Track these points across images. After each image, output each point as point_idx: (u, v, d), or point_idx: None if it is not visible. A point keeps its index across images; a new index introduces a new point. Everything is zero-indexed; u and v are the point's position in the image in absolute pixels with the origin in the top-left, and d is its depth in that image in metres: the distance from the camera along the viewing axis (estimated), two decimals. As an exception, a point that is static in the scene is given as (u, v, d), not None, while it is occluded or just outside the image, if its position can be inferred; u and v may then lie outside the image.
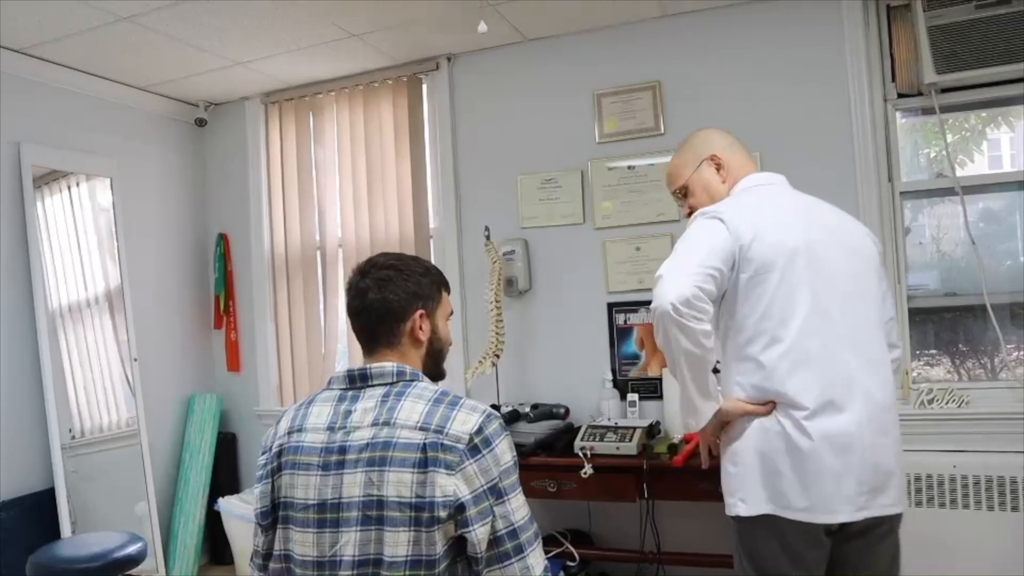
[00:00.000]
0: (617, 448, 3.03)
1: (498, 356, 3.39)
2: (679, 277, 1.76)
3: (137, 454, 3.77)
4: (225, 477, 4.13)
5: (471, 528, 1.25)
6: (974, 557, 2.79)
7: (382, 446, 1.28)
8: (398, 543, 1.24)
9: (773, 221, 1.87)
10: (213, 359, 4.37)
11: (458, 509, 1.25)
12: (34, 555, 2.80)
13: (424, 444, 1.26)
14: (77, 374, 3.62)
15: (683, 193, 2.12)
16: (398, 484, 1.25)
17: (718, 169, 2.06)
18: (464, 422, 1.30)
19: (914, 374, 3.14)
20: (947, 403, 3.01)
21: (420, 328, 1.45)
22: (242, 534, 3.80)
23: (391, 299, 1.43)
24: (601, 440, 3.07)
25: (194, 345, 4.28)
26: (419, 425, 1.29)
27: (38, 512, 3.29)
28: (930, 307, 3.28)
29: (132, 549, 2.86)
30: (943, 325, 3.35)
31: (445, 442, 1.27)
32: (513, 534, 1.28)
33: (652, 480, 2.85)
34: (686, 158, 2.11)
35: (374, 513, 1.25)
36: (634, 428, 3.09)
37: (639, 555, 3.16)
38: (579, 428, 3.21)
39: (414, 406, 1.32)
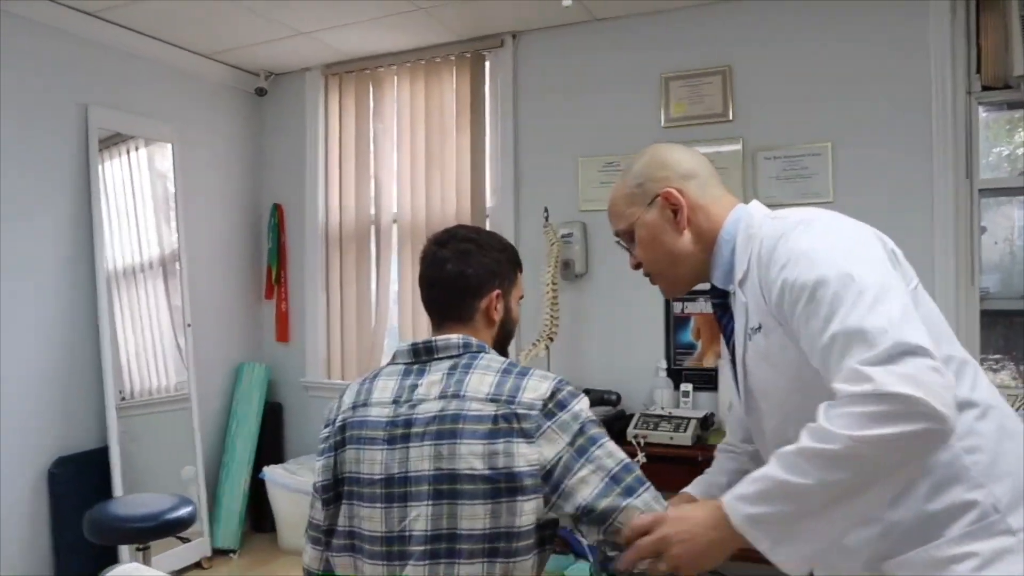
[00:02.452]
0: (671, 438, 2.98)
1: (551, 339, 3.36)
2: (936, 364, 0.99)
3: (186, 419, 3.81)
4: (270, 446, 4.16)
5: (565, 483, 1.19)
6: None
7: (451, 419, 1.24)
8: (475, 516, 1.20)
9: None
10: (262, 329, 4.39)
11: (546, 476, 1.20)
12: (90, 511, 2.84)
13: (496, 416, 1.23)
14: (129, 337, 3.67)
15: (628, 240, 1.43)
16: (470, 457, 1.21)
17: (675, 213, 1.36)
18: (535, 389, 1.25)
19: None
20: (1016, 408, 2.90)
21: (495, 308, 1.42)
22: (285, 503, 3.83)
23: (469, 274, 1.39)
24: (655, 429, 3.03)
25: (244, 314, 4.31)
26: (490, 396, 1.25)
27: (91, 470, 3.34)
28: (1000, 309, 3.17)
29: (183, 512, 2.89)
30: (1012, 328, 3.24)
31: (519, 411, 1.23)
32: (615, 479, 1.20)
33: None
34: (630, 189, 1.39)
35: (446, 487, 1.22)
36: (688, 419, 3.04)
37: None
38: (631, 416, 3.16)
39: (483, 377, 1.28)
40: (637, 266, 1.44)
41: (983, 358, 3.12)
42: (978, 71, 2.97)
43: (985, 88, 2.97)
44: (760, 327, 1.25)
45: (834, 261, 1.11)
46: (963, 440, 1.12)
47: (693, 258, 1.37)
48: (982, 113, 3.07)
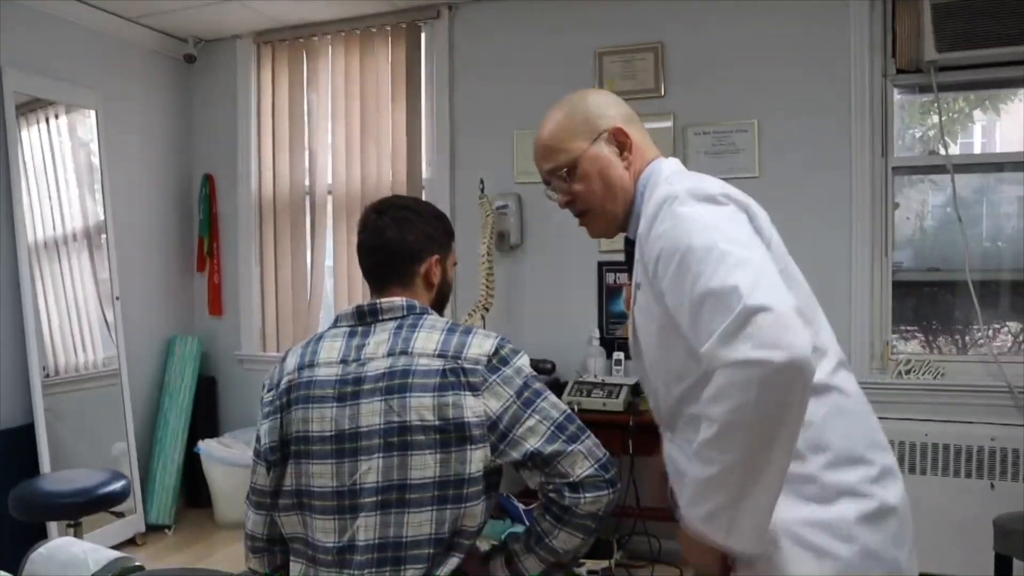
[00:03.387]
0: (604, 404, 3.09)
1: (487, 309, 3.41)
2: (792, 311, 1.05)
3: (115, 394, 3.73)
4: (204, 421, 4.11)
5: (513, 433, 1.27)
6: (943, 521, 2.91)
7: (400, 374, 1.29)
8: (425, 465, 1.26)
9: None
10: (194, 302, 4.31)
11: (492, 426, 1.27)
12: (16, 488, 2.76)
13: (444, 370, 1.29)
14: (52, 312, 3.55)
15: (567, 175, 1.38)
16: (420, 408, 1.26)
17: (621, 151, 1.39)
18: (480, 346, 1.32)
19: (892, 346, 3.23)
20: (923, 374, 3.11)
21: (433, 272, 1.47)
22: (221, 477, 3.80)
23: (410, 240, 1.44)
24: (588, 396, 3.13)
25: (175, 287, 4.22)
26: (437, 352, 1.31)
27: (16, 448, 3.25)
28: (911, 281, 3.36)
29: (116, 486, 2.83)
30: (922, 300, 3.45)
31: (466, 366, 1.29)
32: (560, 428, 1.29)
33: (636, 436, 2.91)
34: (575, 124, 1.38)
35: (396, 439, 1.26)
36: (621, 385, 3.15)
37: (619, 509, 3.23)
38: (566, 383, 3.25)
39: (429, 335, 1.34)
40: (568, 203, 1.42)
41: (895, 328, 3.31)
42: (893, 55, 3.12)
43: (900, 71, 3.13)
44: (640, 284, 1.33)
45: (704, 230, 1.16)
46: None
47: (628, 196, 1.39)
48: (896, 95, 3.23)
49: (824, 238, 3.19)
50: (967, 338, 3.33)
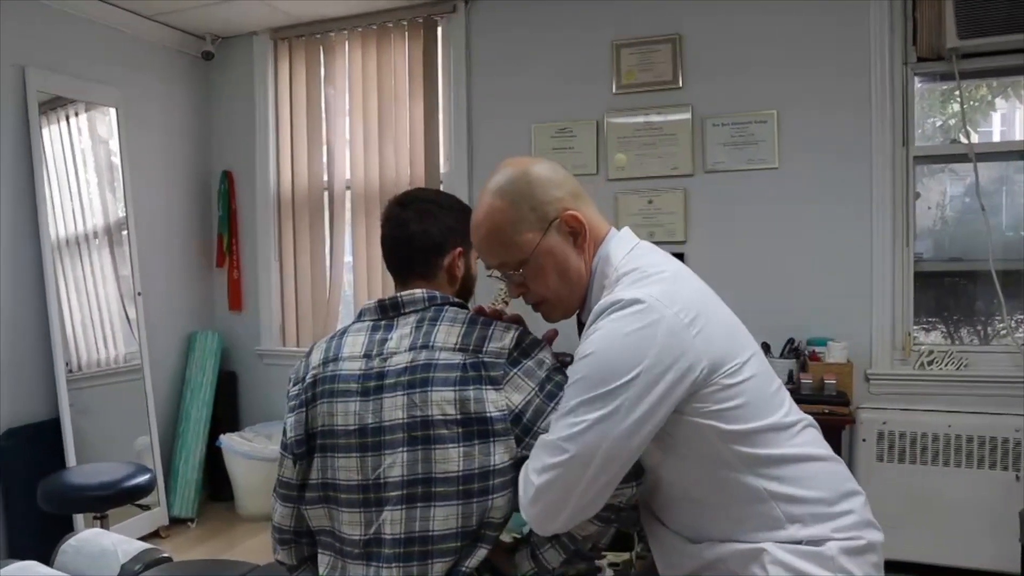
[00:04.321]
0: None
1: (507, 302, 3.41)
2: (561, 513, 1.22)
3: (138, 389, 3.77)
4: (226, 415, 4.15)
5: (538, 425, 1.27)
6: (966, 513, 2.89)
7: (422, 368, 1.29)
8: (448, 459, 1.25)
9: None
10: (214, 298, 4.34)
11: (515, 420, 1.27)
12: (45, 480, 2.80)
13: (465, 363, 1.28)
14: (74, 308, 3.59)
15: (518, 269, 1.30)
16: (443, 403, 1.26)
17: (575, 237, 1.30)
18: (500, 339, 1.30)
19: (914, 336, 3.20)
20: (946, 365, 3.08)
21: (457, 265, 1.46)
22: (242, 471, 3.83)
23: (433, 232, 1.43)
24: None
25: (195, 283, 4.26)
26: (458, 346, 1.30)
27: (42, 442, 3.29)
28: (932, 271, 3.34)
29: (142, 479, 2.87)
30: (943, 290, 3.42)
31: (486, 360, 1.28)
32: None
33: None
34: (521, 214, 1.27)
35: (420, 433, 1.26)
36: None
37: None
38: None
39: (450, 329, 1.32)
40: (522, 295, 1.34)
41: (916, 320, 3.28)
42: (914, 43, 3.09)
43: (920, 59, 3.10)
44: None
45: (605, 374, 1.15)
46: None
47: (584, 282, 1.31)
48: (917, 84, 3.20)
49: (845, 229, 3.17)
50: (989, 328, 3.30)
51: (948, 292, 3.42)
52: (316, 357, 1.42)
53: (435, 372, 1.28)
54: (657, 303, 1.16)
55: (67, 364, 3.44)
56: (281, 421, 1.44)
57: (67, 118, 3.64)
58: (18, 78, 3.29)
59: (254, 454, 3.77)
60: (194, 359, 4.12)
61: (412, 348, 1.32)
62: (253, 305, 4.24)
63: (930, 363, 3.10)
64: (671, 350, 1.14)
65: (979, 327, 3.35)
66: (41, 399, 3.36)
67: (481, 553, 1.28)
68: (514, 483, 1.28)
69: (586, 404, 1.15)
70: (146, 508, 3.60)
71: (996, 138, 3.52)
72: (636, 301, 1.16)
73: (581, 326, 1.35)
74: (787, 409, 1.29)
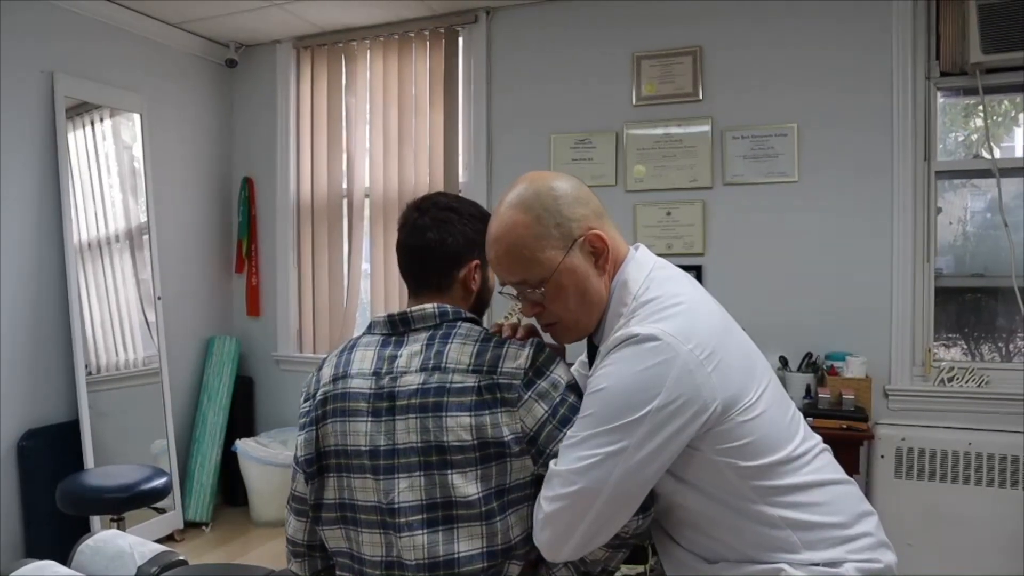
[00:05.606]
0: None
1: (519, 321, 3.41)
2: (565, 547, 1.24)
3: (155, 392, 3.80)
4: (242, 420, 4.18)
5: (548, 451, 1.24)
6: (987, 533, 2.85)
7: (435, 392, 1.24)
8: (467, 483, 1.21)
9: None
10: (233, 303, 4.38)
11: (530, 442, 1.24)
12: (63, 482, 2.83)
13: (479, 386, 1.23)
14: (95, 310, 3.63)
15: (537, 287, 1.26)
16: (457, 429, 1.22)
17: (596, 258, 1.27)
18: (515, 358, 1.24)
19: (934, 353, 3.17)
20: (966, 382, 3.05)
21: (473, 278, 1.39)
22: (257, 476, 3.85)
23: (449, 242, 1.36)
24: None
25: (214, 288, 4.29)
26: (471, 367, 1.24)
27: (61, 443, 3.32)
28: (953, 287, 3.30)
29: (159, 482, 2.90)
30: (964, 306, 3.38)
31: (501, 381, 1.23)
32: None
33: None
34: (546, 230, 1.24)
35: (435, 458, 1.22)
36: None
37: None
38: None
39: (463, 348, 1.26)
40: (536, 314, 1.29)
41: (937, 336, 3.25)
42: (937, 57, 3.07)
43: (943, 74, 3.08)
44: None
45: (616, 410, 1.15)
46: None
47: (603, 305, 1.28)
48: (940, 98, 3.18)
49: (865, 244, 3.15)
50: (1011, 346, 3.26)
51: (969, 308, 3.39)
52: (327, 372, 1.38)
53: (449, 396, 1.23)
54: (673, 340, 1.15)
55: (87, 366, 3.48)
56: (296, 427, 1.43)
57: (92, 123, 3.69)
58: (46, 83, 3.35)
59: (269, 460, 3.79)
60: (211, 364, 4.15)
61: (424, 368, 1.27)
62: (271, 311, 4.27)
63: (950, 379, 3.07)
64: (684, 388, 1.13)
65: (1000, 344, 3.31)
66: (61, 401, 3.40)
67: (514, 570, 1.26)
68: (533, 498, 1.26)
69: (596, 438, 1.16)
70: (161, 511, 3.62)
71: (1019, 153, 3.47)
72: (652, 337, 1.15)
73: (592, 347, 1.34)
74: (802, 435, 1.28)
